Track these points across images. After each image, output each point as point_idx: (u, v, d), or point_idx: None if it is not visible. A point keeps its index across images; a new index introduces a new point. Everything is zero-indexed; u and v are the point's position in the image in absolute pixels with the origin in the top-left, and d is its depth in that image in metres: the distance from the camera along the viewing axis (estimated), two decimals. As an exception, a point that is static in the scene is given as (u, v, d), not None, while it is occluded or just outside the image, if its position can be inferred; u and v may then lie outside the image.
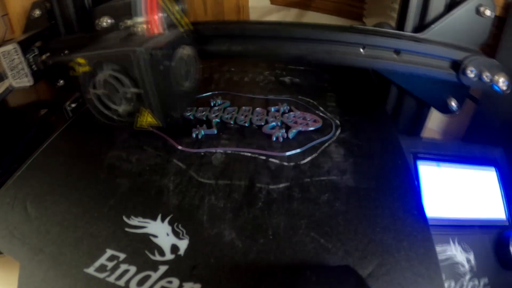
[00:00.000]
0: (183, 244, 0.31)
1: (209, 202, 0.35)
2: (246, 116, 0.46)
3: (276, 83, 0.57)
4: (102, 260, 0.30)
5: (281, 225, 0.32)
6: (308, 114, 0.47)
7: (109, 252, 0.30)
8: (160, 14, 0.41)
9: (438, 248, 0.39)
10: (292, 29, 0.47)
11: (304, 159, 0.39)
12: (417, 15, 0.46)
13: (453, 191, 0.44)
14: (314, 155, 0.40)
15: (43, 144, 0.44)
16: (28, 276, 0.29)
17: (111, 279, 0.28)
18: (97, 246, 0.31)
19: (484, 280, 0.39)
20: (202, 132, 0.44)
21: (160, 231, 0.32)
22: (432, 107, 0.51)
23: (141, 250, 0.30)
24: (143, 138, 0.44)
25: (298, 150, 0.40)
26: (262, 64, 0.64)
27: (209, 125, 0.45)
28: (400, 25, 0.48)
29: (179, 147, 0.42)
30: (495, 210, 0.43)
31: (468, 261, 0.40)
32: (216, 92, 0.54)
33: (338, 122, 0.46)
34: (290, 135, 0.43)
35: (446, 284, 0.38)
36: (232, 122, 0.46)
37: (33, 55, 0.53)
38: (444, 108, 0.48)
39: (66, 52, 0.53)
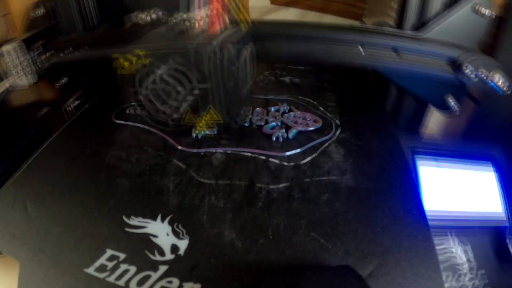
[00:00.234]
0: (183, 244, 0.31)
1: (209, 202, 0.35)
2: (246, 116, 0.46)
3: (276, 83, 0.57)
4: (102, 260, 0.30)
5: (281, 225, 0.32)
6: (308, 114, 0.47)
7: (109, 252, 0.30)
8: (225, 9, 0.39)
9: (436, 245, 0.39)
10: (292, 28, 0.47)
11: (304, 159, 0.39)
12: (416, 14, 0.46)
13: (452, 188, 0.44)
14: (314, 155, 0.40)
15: (43, 144, 0.44)
16: (28, 276, 0.29)
17: (111, 279, 0.28)
18: (97, 246, 0.31)
19: (483, 276, 0.39)
20: (202, 132, 0.44)
21: (160, 231, 0.32)
22: (431, 106, 0.51)
23: (141, 250, 0.30)
24: (143, 138, 0.44)
25: (298, 150, 0.40)
26: (262, 64, 0.64)
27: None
28: (400, 24, 0.48)
29: (179, 147, 0.42)
30: (493, 207, 0.44)
31: (467, 257, 0.40)
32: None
33: (338, 122, 0.46)
34: (290, 135, 0.43)
35: (445, 283, 0.38)
36: (232, 122, 0.46)
37: (35, 54, 0.53)
38: (443, 107, 0.48)
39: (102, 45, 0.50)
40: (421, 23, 0.46)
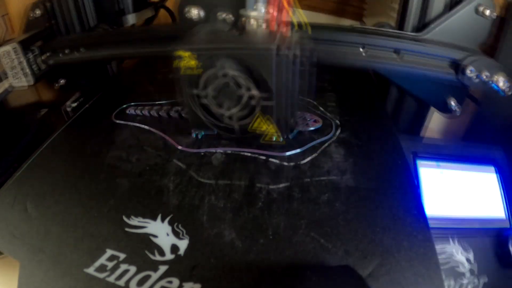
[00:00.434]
0: (183, 244, 0.31)
1: (209, 202, 0.35)
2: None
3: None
4: (102, 260, 0.30)
5: (281, 225, 0.32)
6: (308, 114, 0.46)
7: (109, 252, 0.30)
8: (287, 10, 0.35)
9: (438, 248, 0.39)
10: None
11: (304, 159, 0.39)
12: (417, 15, 0.46)
13: (453, 191, 0.44)
14: (314, 155, 0.40)
15: (43, 144, 0.44)
16: (28, 276, 0.29)
17: (111, 279, 0.28)
18: (97, 246, 0.31)
19: (484, 279, 0.39)
20: (202, 132, 0.44)
21: (160, 231, 0.32)
22: (432, 107, 0.51)
23: (141, 250, 0.30)
24: (143, 138, 0.44)
25: (298, 150, 0.40)
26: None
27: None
28: (400, 25, 0.48)
29: (179, 147, 0.42)
30: (495, 210, 0.43)
31: (468, 260, 0.40)
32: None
33: (338, 122, 0.46)
34: (290, 135, 0.43)
35: (445, 284, 0.38)
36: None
37: (33, 55, 0.53)
38: (444, 108, 0.48)
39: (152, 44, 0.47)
40: (422, 24, 0.46)
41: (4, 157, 0.50)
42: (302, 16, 0.38)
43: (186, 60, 0.33)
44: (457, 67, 0.43)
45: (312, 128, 0.44)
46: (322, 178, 0.37)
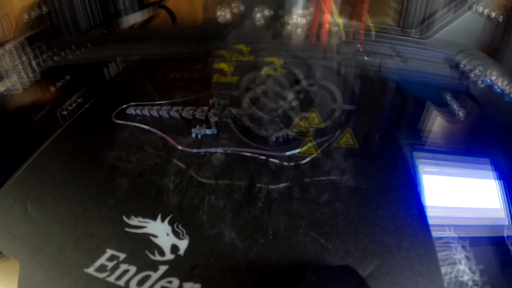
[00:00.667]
0: (183, 244, 0.31)
1: (209, 202, 0.35)
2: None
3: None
4: (102, 260, 0.30)
5: (281, 225, 0.32)
6: (308, 114, 0.46)
7: (109, 252, 0.30)
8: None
9: (437, 247, 0.39)
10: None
11: (304, 159, 0.39)
12: (417, 15, 0.46)
13: (452, 190, 0.44)
14: (314, 155, 0.40)
15: (43, 144, 0.44)
16: (28, 276, 0.29)
17: (111, 279, 0.28)
18: (97, 246, 0.31)
19: (484, 280, 0.39)
20: (202, 132, 0.44)
21: (160, 231, 0.32)
22: (432, 106, 0.51)
23: (141, 250, 0.30)
24: (143, 138, 0.44)
25: (298, 150, 0.40)
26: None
27: (209, 125, 0.45)
28: (400, 24, 0.48)
29: (179, 147, 0.42)
30: (495, 210, 0.43)
31: (468, 260, 0.40)
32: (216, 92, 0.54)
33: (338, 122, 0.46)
34: (290, 135, 0.43)
35: (445, 284, 0.38)
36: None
37: (33, 55, 0.53)
38: (445, 110, 0.48)
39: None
40: (422, 24, 0.46)
41: (4, 157, 0.50)
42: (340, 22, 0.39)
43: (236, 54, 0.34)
44: (457, 67, 0.43)
45: (312, 128, 0.44)
46: (322, 178, 0.37)
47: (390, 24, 0.56)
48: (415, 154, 0.45)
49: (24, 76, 0.52)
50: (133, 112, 0.49)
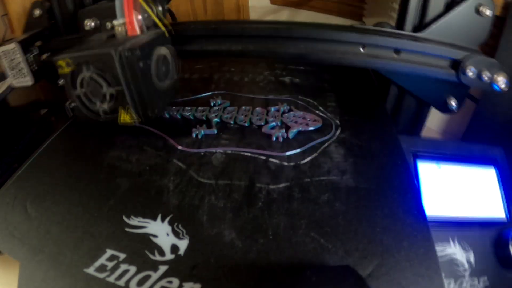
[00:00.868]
0: (183, 244, 0.31)
1: (209, 202, 0.35)
2: (246, 116, 0.46)
3: (276, 83, 0.57)
4: (102, 260, 0.30)
5: (281, 225, 0.32)
6: (308, 114, 0.47)
7: (109, 252, 0.30)
8: (139, 16, 0.42)
9: (438, 247, 0.39)
10: (292, 28, 0.47)
11: (304, 159, 0.39)
12: (417, 15, 0.46)
13: (453, 190, 0.44)
14: (314, 155, 0.40)
15: (43, 144, 0.44)
16: (28, 276, 0.29)
17: (111, 279, 0.28)
18: (97, 246, 0.31)
19: (484, 279, 0.39)
20: (202, 132, 0.44)
21: (160, 231, 0.32)
22: (431, 106, 0.51)
23: (141, 250, 0.30)
24: (143, 138, 0.44)
25: (298, 150, 0.40)
26: (262, 64, 0.64)
27: (209, 125, 0.45)
28: (400, 24, 0.48)
29: (179, 147, 0.42)
30: (495, 209, 0.44)
31: (468, 259, 0.40)
32: (216, 92, 0.54)
33: (338, 122, 0.46)
34: (290, 135, 0.43)
35: (445, 283, 0.38)
36: (232, 122, 0.46)
37: (33, 54, 0.53)
38: (444, 108, 0.48)
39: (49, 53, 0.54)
40: (422, 23, 0.46)
41: (4, 157, 0.50)
42: (164, 20, 0.46)
43: (60, 62, 0.41)
44: (457, 66, 0.43)
45: (312, 128, 0.44)
46: (322, 178, 0.37)
47: (390, 24, 0.56)
48: (415, 151, 0.46)
49: (24, 75, 0.52)
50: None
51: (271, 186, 0.36)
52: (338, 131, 0.44)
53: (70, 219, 0.34)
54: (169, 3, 0.72)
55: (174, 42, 0.46)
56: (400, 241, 0.30)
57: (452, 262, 0.39)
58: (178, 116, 0.48)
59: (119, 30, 0.42)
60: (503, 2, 0.54)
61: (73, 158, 0.42)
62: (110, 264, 0.29)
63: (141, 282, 0.28)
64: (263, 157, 0.40)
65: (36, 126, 0.59)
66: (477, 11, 0.43)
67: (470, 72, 0.42)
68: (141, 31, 0.43)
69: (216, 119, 0.46)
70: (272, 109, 0.48)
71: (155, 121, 0.47)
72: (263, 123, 0.45)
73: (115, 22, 0.42)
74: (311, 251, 0.30)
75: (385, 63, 0.45)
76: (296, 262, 0.29)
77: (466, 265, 0.39)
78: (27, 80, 0.53)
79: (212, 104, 0.50)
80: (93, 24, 0.47)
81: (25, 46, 0.51)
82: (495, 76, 0.42)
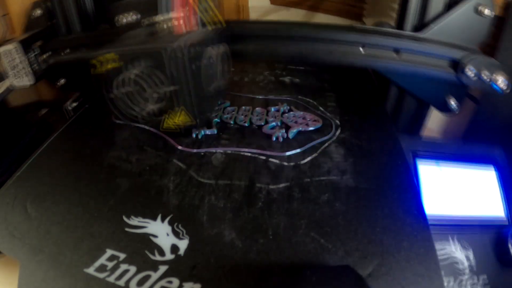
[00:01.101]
0: (183, 244, 0.31)
1: (209, 202, 0.35)
2: (246, 116, 0.46)
3: (276, 83, 0.57)
4: (102, 260, 0.30)
5: (281, 225, 0.32)
6: (308, 114, 0.47)
7: (109, 252, 0.30)
8: (191, 11, 0.40)
9: (438, 246, 0.39)
10: (292, 28, 0.47)
11: (304, 159, 0.39)
12: (417, 15, 0.46)
13: (453, 190, 0.44)
14: (314, 155, 0.40)
15: (43, 144, 0.44)
16: (28, 276, 0.29)
17: (111, 279, 0.28)
18: (97, 246, 0.31)
19: (483, 278, 0.39)
20: (202, 132, 0.44)
21: (160, 231, 0.32)
22: (431, 106, 0.51)
23: (141, 250, 0.30)
24: (143, 138, 0.44)
25: (298, 150, 0.40)
26: (262, 64, 0.64)
27: (209, 125, 0.45)
28: (400, 24, 0.48)
29: (179, 147, 0.42)
30: (494, 209, 0.44)
31: (468, 259, 0.40)
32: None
33: (338, 122, 0.46)
34: (290, 135, 0.43)
35: (445, 282, 0.38)
36: (232, 122, 0.46)
37: (33, 54, 0.53)
38: (444, 108, 0.48)
39: (71, 49, 0.51)
40: (422, 23, 0.46)
41: (4, 157, 0.50)
42: (218, 16, 0.43)
43: (95, 61, 0.37)
44: (457, 66, 0.43)
45: (312, 128, 0.44)
46: (322, 178, 0.37)
47: (390, 24, 0.56)
48: (415, 151, 0.46)
49: (25, 75, 0.52)
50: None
51: (271, 186, 0.36)
52: (338, 131, 0.44)
53: (70, 219, 0.34)
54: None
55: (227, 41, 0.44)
56: (400, 241, 0.30)
57: (452, 262, 0.39)
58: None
59: (163, 26, 0.39)
60: (503, 2, 0.54)
61: (73, 158, 0.42)
62: (110, 264, 0.29)
63: (141, 282, 0.28)
64: (263, 157, 0.40)
65: (36, 126, 0.59)
66: (477, 11, 0.43)
67: (470, 72, 0.42)
68: (190, 28, 0.39)
69: (216, 119, 0.46)
70: (272, 109, 0.48)
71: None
72: (263, 123, 0.45)
73: (159, 18, 0.39)
74: (311, 251, 0.30)
75: (385, 63, 0.45)
76: (296, 262, 0.29)
77: (466, 265, 0.39)
78: (28, 80, 0.53)
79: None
80: (127, 19, 0.43)
81: (26, 45, 0.51)
82: (495, 76, 0.42)
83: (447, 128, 0.70)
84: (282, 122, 0.45)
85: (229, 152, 0.41)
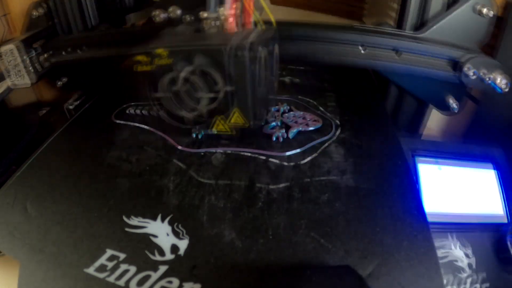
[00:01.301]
0: (183, 244, 0.31)
1: (209, 202, 0.35)
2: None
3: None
4: (102, 260, 0.30)
5: (281, 225, 0.32)
6: (308, 114, 0.47)
7: (109, 252, 0.30)
8: (246, 9, 0.38)
9: (437, 244, 0.39)
10: (292, 28, 0.47)
11: (304, 159, 0.39)
12: (417, 15, 0.46)
13: (453, 190, 0.44)
14: (314, 155, 0.40)
15: (43, 144, 0.44)
16: (28, 276, 0.29)
17: (111, 279, 0.28)
18: (97, 246, 0.31)
19: (483, 276, 0.39)
20: (202, 132, 0.44)
21: (160, 231, 0.32)
22: (431, 106, 0.51)
23: (141, 250, 0.30)
24: (143, 138, 0.44)
25: (298, 150, 0.40)
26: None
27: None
28: (400, 24, 0.48)
29: (179, 147, 0.42)
30: (494, 207, 0.44)
31: (468, 259, 0.40)
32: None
33: (338, 122, 0.46)
34: (290, 135, 0.43)
35: (445, 280, 0.38)
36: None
37: (34, 54, 0.53)
38: (444, 107, 0.48)
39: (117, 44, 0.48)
40: (421, 23, 0.46)
41: (4, 157, 0.50)
42: (269, 14, 0.40)
43: (142, 57, 0.35)
44: (456, 65, 0.43)
45: (312, 128, 0.44)
46: (322, 178, 0.37)
47: (390, 24, 0.56)
48: (414, 151, 0.46)
49: (26, 74, 0.52)
50: (133, 112, 0.49)
51: (271, 186, 0.36)
52: (338, 131, 0.44)
53: (70, 219, 0.34)
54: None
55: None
56: (400, 241, 0.30)
57: (452, 262, 0.39)
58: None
59: (211, 24, 0.37)
60: (503, 2, 0.54)
61: (73, 158, 0.42)
62: (110, 264, 0.29)
63: (141, 282, 0.28)
64: (263, 157, 0.40)
65: (36, 126, 0.59)
66: (477, 11, 0.43)
67: (470, 72, 0.42)
68: (244, 26, 0.37)
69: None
70: (272, 109, 0.48)
71: (155, 121, 0.47)
72: (263, 123, 0.45)
73: (208, 15, 0.36)
74: (311, 251, 0.30)
75: (385, 63, 0.45)
76: (296, 262, 0.29)
77: (466, 265, 0.39)
78: (28, 79, 0.53)
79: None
80: (166, 15, 0.41)
81: (28, 45, 0.51)
82: (495, 76, 0.42)
83: (447, 128, 0.70)
84: (282, 122, 0.45)
85: (229, 152, 0.41)
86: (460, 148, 0.48)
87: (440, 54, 0.44)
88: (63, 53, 0.54)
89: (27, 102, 0.66)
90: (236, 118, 0.37)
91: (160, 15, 0.41)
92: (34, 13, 0.56)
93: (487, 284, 0.39)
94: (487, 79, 0.42)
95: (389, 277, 0.28)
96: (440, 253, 0.39)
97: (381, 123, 0.47)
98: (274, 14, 0.42)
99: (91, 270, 0.29)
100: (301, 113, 0.47)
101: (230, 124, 0.38)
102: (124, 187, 0.37)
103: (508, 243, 0.40)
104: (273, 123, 0.45)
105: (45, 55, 0.54)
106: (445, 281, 0.38)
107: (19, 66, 0.51)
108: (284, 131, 0.43)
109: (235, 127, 0.38)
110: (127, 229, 0.32)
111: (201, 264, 0.29)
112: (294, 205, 0.34)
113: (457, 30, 0.45)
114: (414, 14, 0.46)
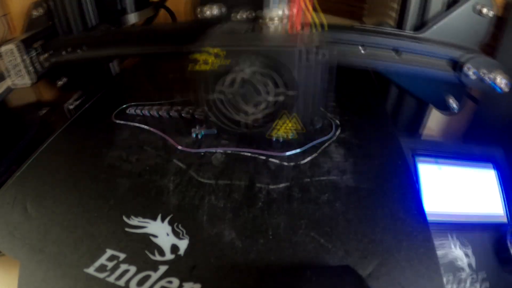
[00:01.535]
0: (183, 244, 0.31)
1: (209, 202, 0.35)
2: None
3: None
4: (102, 260, 0.30)
5: (281, 225, 0.32)
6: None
7: (109, 252, 0.30)
8: (308, 10, 0.36)
9: (437, 245, 0.39)
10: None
11: (304, 159, 0.39)
12: (417, 15, 0.46)
13: (453, 190, 0.44)
14: (314, 155, 0.40)
15: (43, 144, 0.44)
16: (28, 276, 0.29)
17: (111, 279, 0.28)
18: (97, 246, 0.31)
19: (483, 276, 0.39)
20: (202, 132, 0.44)
21: (160, 231, 0.32)
22: (431, 106, 0.51)
23: (141, 250, 0.30)
24: (143, 138, 0.44)
25: (298, 150, 0.40)
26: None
27: (209, 125, 0.45)
28: (400, 24, 0.48)
29: (179, 147, 0.42)
30: (494, 207, 0.44)
31: (468, 259, 0.40)
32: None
33: (338, 122, 0.46)
34: (290, 135, 0.43)
35: (444, 279, 0.38)
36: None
37: (34, 54, 0.53)
38: (444, 107, 0.48)
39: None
40: (421, 23, 0.46)
41: (4, 157, 0.50)
42: (322, 17, 0.39)
43: (199, 56, 0.33)
44: (456, 65, 0.43)
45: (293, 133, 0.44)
46: (322, 178, 0.37)
47: (390, 24, 0.56)
48: (414, 151, 0.46)
49: (26, 74, 0.52)
50: (133, 112, 0.49)
51: (271, 186, 0.36)
52: (338, 131, 0.44)
53: (70, 219, 0.34)
54: (166, 2, 0.72)
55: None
56: (400, 241, 0.30)
57: (452, 262, 0.39)
58: (178, 116, 0.48)
59: (269, 23, 0.35)
60: (503, 2, 0.54)
61: (73, 158, 0.42)
62: (110, 264, 0.29)
63: (141, 282, 0.28)
64: (263, 157, 0.40)
65: (36, 126, 0.59)
66: (477, 11, 0.43)
67: (470, 72, 0.42)
68: (304, 28, 0.36)
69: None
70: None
71: (155, 121, 0.47)
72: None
73: (268, 13, 0.34)
74: (311, 251, 0.30)
75: (385, 63, 0.45)
76: (296, 262, 0.29)
77: (466, 265, 0.39)
78: (28, 79, 0.53)
79: (212, 104, 0.50)
80: (213, 12, 0.39)
81: (27, 45, 0.51)
82: (495, 76, 0.42)
83: (447, 128, 0.70)
84: (282, 122, 0.45)
85: (229, 152, 0.41)
86: (460, 148, 0.48)
87: (440, 54, 0.44)
88: (63, 53, 0.54)
89: (27, 102, 0.66)
90: (293, 123, 0.36)
91: (206, 12, 0.39)
92: (34, 13, 0.56)
93: (487, 284, 0.39)
94: (487, 79, 0.42)
95: (389, 277, 0.28)
96: (440, 253, 0.39)
97: (381, 123, 0.47)
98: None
99: (91, 270, 0.29)
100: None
101: (288, 129, 0.37)
102: (124, 187, 0.37)
103: (508, 243, 0.40)
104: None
105: (45, 55, 0.54)
106: (445, 280, 0.38)
107: (19, 66, 0.51)
108: (284, 131, 0.43)
109: (292, 133, 0.38)
110: (127, 229, 0.32)
111: (201, 264, 0.29)
112: (294, 205, 0.34)
113: (457, 30, 0.45)
114: (414, 14, 0.46)
